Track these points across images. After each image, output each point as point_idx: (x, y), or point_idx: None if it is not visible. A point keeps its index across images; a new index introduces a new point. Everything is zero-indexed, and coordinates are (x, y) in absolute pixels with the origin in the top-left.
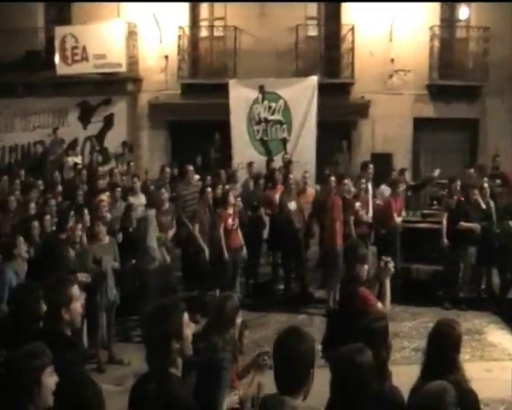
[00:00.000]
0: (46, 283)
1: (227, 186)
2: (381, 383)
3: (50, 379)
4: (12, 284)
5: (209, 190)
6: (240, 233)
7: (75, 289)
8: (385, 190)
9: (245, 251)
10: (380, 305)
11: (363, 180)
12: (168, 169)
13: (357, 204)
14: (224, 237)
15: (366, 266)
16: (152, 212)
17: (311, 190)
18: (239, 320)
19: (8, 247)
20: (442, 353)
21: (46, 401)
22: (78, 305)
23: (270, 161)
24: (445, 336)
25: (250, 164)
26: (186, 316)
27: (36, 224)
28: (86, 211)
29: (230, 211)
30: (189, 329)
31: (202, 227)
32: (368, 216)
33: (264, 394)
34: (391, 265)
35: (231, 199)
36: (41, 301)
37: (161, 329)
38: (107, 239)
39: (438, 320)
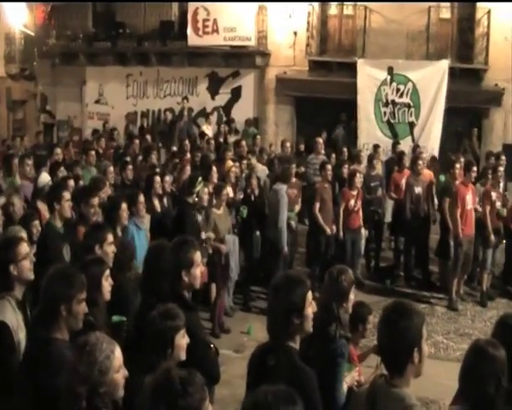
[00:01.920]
0: (171, 243)
1: (353, 166)
2: None
3: (183, 340)
4: (133, 237)
5: (329, 166)
6: (361, 215)
7: (197, 255)
8: None
9: (363, 233)
10: None
11: (501, 168)
12: (288, 144)
13: (494, 194)
14: (344, 216)
15: None
16: (283, 187)
17: (428, 171)
18: (353, 296)
19: (128, 203)
20: None
21: (178, 358)
22: (197, 270)
23: (396, 143)
24: None
25: (376, 146)
26: (310, 294)
27: (158, 182)
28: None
29: (354, 192)
30: (312, 308)
31: (325, 204)
32: (503, 209)
33: (376, 375)
34: None
35: (357, 181)
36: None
37: (284, 301)
38: (221, 209)
39: None
